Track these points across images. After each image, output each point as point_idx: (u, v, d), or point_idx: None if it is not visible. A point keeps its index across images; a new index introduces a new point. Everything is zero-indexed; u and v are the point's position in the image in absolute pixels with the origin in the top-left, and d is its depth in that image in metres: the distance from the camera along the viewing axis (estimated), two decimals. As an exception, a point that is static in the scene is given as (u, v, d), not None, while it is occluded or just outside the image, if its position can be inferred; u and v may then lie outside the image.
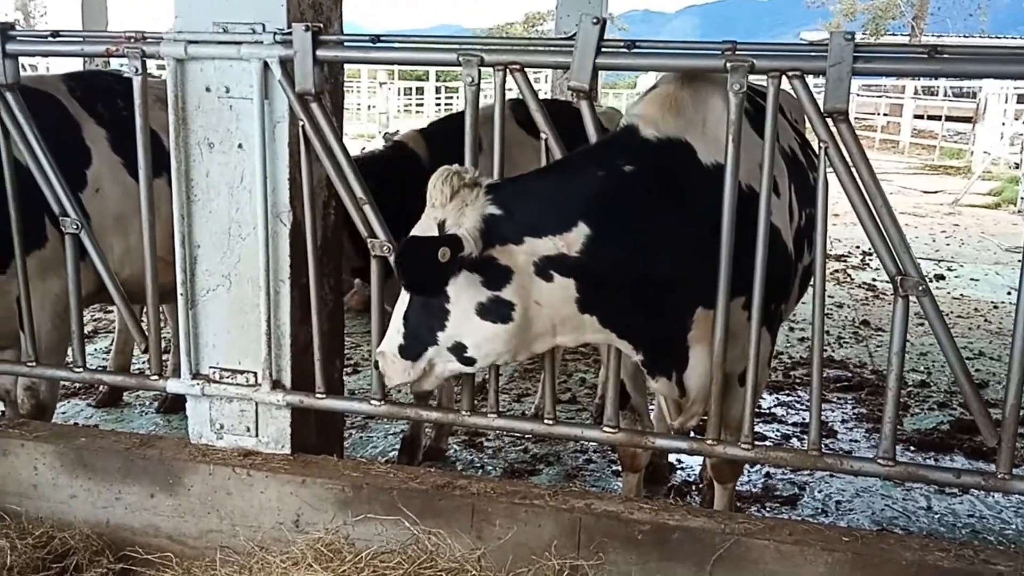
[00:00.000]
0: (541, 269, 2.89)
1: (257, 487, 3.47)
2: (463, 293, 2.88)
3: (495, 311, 2.89)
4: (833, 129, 2.92)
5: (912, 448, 5.36)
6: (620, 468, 4.22)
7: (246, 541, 3.40)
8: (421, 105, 34.17)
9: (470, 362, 3.02)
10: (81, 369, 3.90)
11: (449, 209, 2.83)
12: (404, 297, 3.01)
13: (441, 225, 2.83)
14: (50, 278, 3.99)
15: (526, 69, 3.18)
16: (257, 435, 3.62)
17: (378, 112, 29.04)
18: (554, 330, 3.02)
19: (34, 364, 3.94)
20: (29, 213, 3.78)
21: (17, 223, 3.73)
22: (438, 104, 35.19)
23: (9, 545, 3.36)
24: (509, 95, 3.31)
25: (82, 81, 4.58)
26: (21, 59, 3.66)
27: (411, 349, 3.02)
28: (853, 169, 2.92)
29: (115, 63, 6.46)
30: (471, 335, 2.93)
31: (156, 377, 3.77)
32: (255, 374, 3.56)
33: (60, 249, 3.82)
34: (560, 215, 2.89)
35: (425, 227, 2.88)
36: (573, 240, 2.87)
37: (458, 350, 2.97)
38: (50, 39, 3.66)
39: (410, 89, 35.68)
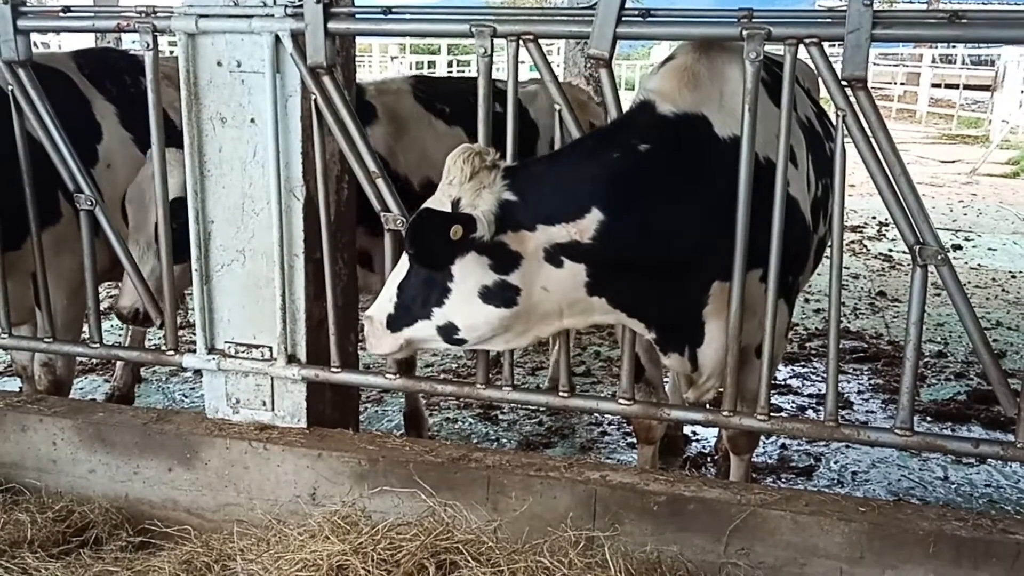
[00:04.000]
0: (551, 255, 2.86)
1: (274, 461, 3.49)
2: (469, 274, 2.85)
3: (499, 295, 2.86)
4: (851, 97, 2.88)
5: (929, 418, 5.34)
6: (635, 440, 4.22)
7: (263, 514, 3.43)
8: (433, 79, 33.97)
9: (458, 343, 3.00)
10: (98, 345, 3.92)
11: (466, 189, 2.80)
12: (401, 266, 3.00)
13: (455, 203, 2.80)
14: (65, 254, 4.01)
15: (540, 40, 3.14)
16: (273, 409, 3.63)
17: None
18: (560, 314, 3.00)
19: (51, 340, 3.97)
20: (43, 189, 3.79)
21: (31, 199, 3.74)
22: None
23: (30, 519, 3.39)
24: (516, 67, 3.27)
25: (90, 58, 4.57)
26: (33, 36, 3.66)
27: (399, 320, 2.99)
28: (871, 137, 2.89)
29: (126, 42, 6.45)
30: (468, 316, 2.90)
31: (172, 352, 3.78)
32: (270, 348, 3.57)
33: (74, 225, 3.83)
34: (573, 202, 2.85)
35: (438, 202, 2.85)
36: (586, 227, 2.84)
37: (448, 330, 2.94)
38: (61, 15, 3.64)
39: (422, 63, 35.48)
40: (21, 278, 3.98)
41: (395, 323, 3.01)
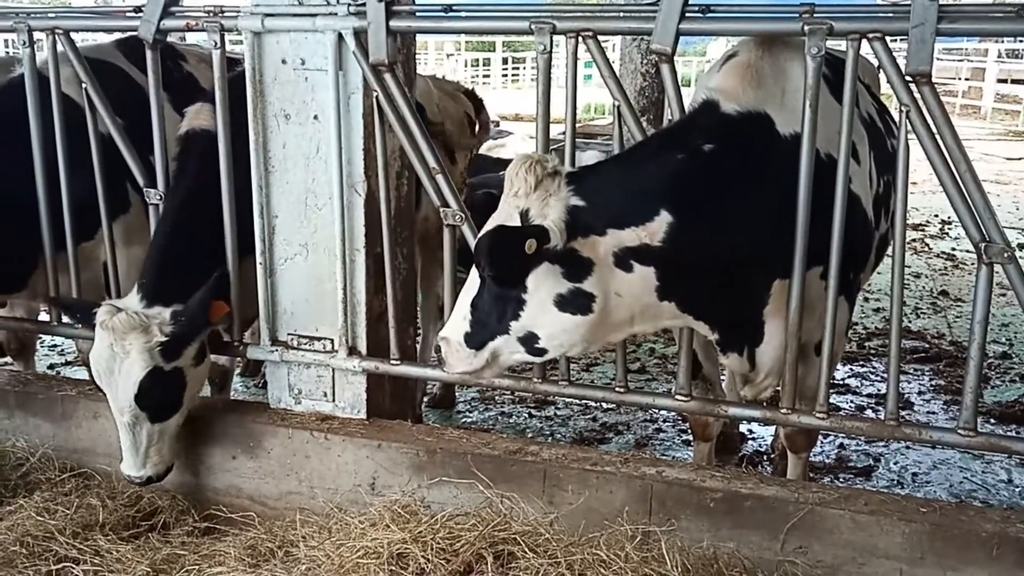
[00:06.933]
0: (621, 260, 2.83)
1: (334, 451, 3.56)
2: (543, 284, 2.80)
3: (575, 303, 2.82)
4: (916, 93, 2.84)
5: (992, 420, 5.23)
6: (691, 437, 4.21)
7: (324, 503, 3.50)
8: (488, 76, 34.11)
9: (540, 353, 2.94)
10: (166, 335, 4.02)
11: (533, 199, 2.76)
12: (472, 283, 2.93)
13: (524, 215, 2.76)
14: (134, 244, 4.12)
15: (599, 36, 3.16)
16: (334, 400, 3.71)
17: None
18: (632, 320, 2.96)
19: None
20: (112, 179, 3.90)
21: (104, 192, 3.85)
22: (504, 75, 35.10)
23: (100, 504, 3.52)
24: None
25: (132, 46, 4.47)
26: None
27: (477, 337, 2.92)
28: (936, 134, 2.85)
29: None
30: (546, 326, 2.85)
31: (236, 344, 3.87)
32: (332, 341, 3.64)
33: (142, 214, 3.93)
34: (642, 205, 2.83)
35: (505, 216, 2.80)
36: (655, 230, 2.81)
37: (529, 341, 2.89)
38: (129, 15, 3.76)
39: (478, 60, 35.63)
40: (94, 267, 4.09)
41: (473, 340, 2.93)
